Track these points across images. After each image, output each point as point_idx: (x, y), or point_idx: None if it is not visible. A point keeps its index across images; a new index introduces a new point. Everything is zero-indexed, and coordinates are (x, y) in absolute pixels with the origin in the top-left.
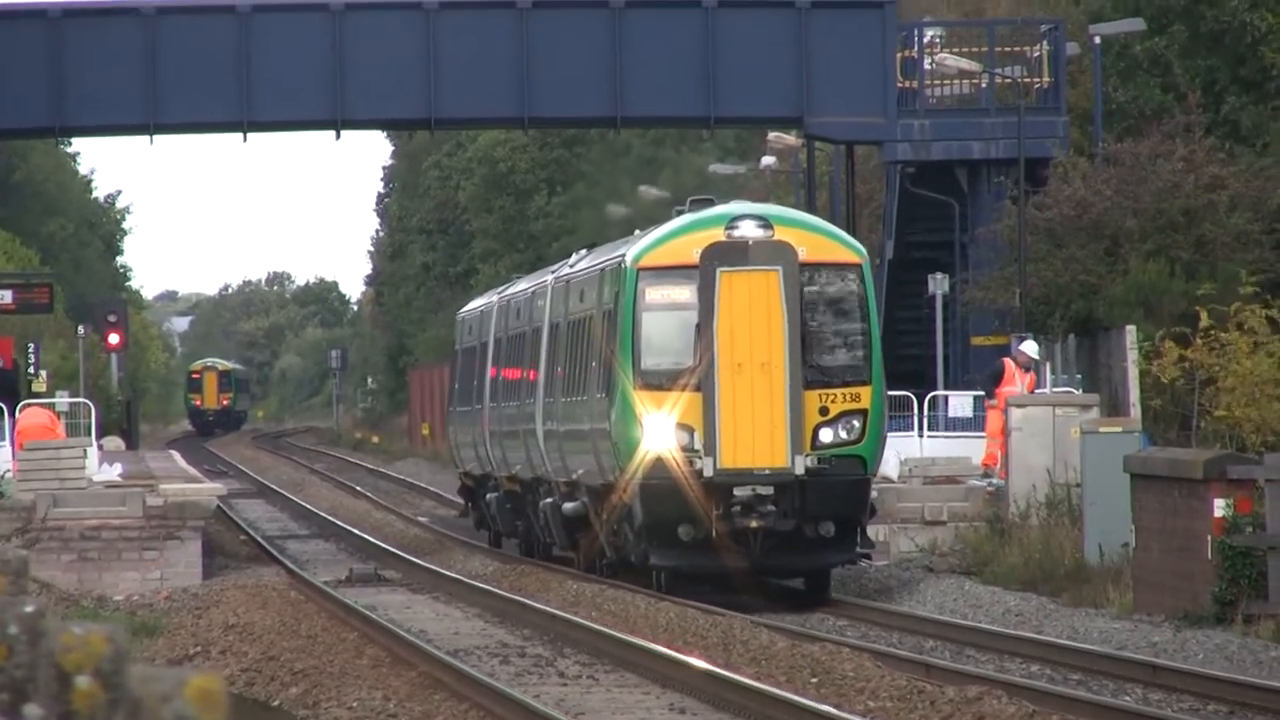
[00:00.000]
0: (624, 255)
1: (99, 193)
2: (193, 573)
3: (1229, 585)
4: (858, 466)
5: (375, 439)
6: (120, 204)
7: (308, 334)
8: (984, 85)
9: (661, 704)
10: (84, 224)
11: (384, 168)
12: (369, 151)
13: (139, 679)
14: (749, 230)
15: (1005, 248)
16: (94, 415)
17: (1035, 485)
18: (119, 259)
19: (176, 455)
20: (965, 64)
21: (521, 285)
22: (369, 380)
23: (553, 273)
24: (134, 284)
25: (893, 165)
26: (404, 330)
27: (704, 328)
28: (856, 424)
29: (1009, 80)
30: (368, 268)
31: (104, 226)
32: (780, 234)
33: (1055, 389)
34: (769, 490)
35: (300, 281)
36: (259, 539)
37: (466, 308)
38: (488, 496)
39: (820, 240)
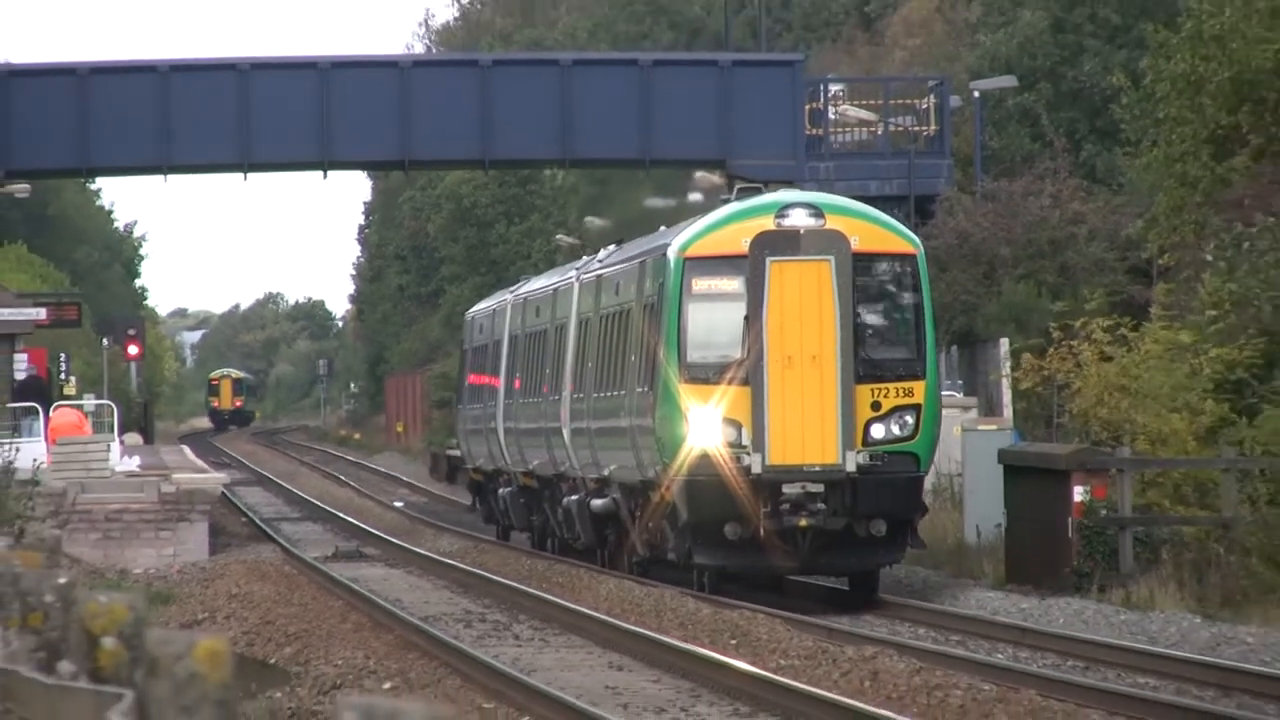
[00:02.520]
0: (668, 245)
1: (119, 224)
2: (201, 550)
3: (1086, 560)
4: (911, 463)
5: (357, 436)
6: (137, 233)
7: (299, 346)
8: (880, 132)
9: (603, 663)
10: (106, 251)
11: (364, 202)
12: (351, 188)
13: (155, 641)
14: (800, 219)
15: None
16: (116, 415)
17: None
18: (137, 281)
19: (187, 449)
20: (864, 114)
21: (540, 283)
22: (351, 385)
23: (577, 269)
24: (150, 302)
25: None
26: (381, 342)
27: (753, 319)
28: (910, 419)
29: (901, 128)
30: (350, 288)
31: (124, 253)
32: (832, 222)
33: (941, 393)
34: (819, 488)
35: (292, 300)
36: (257, 521)
37: (476, 308)
38: (500, 492)
39: (873, 229)
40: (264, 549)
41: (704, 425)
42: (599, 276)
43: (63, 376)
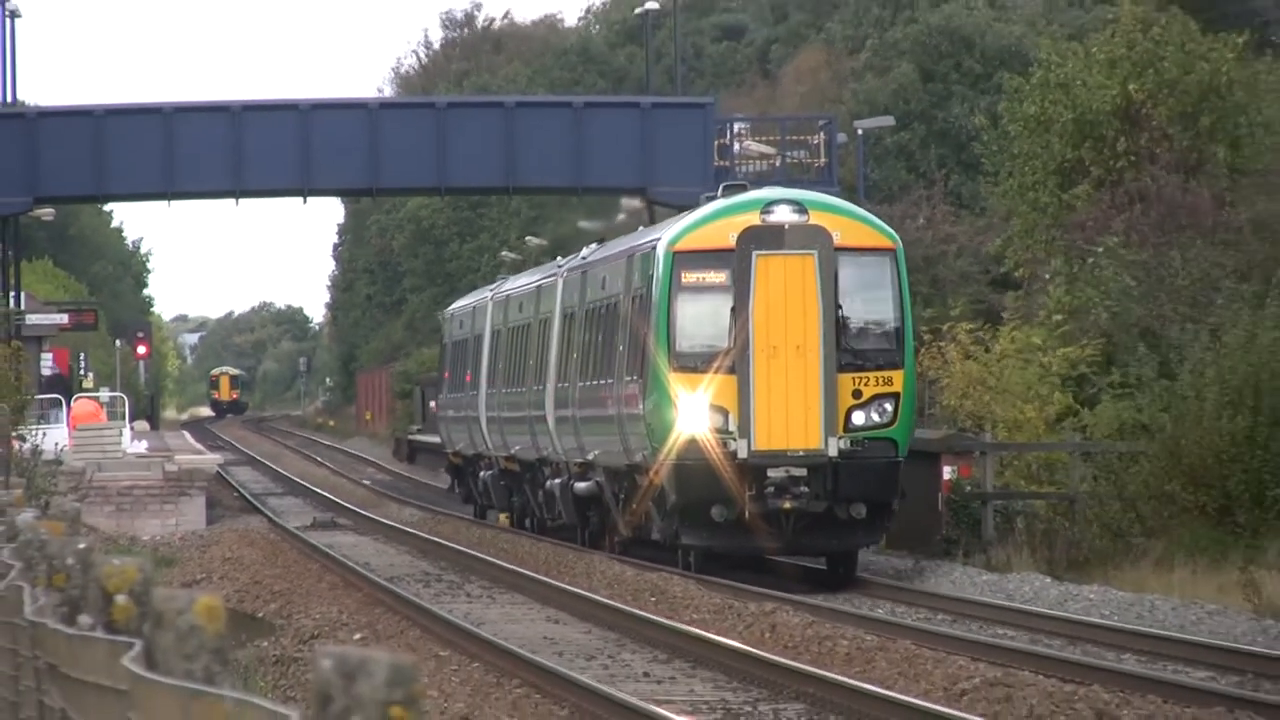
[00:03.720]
0: (657, 240)
1: (129, 242)
2: (199, 520)
3: (954, 529)
4: (890, 449)
5: (332, 423)
6: (144, 250)
7: (282, 346)
8: (777, 164)
9: (542, 616)
10: (119, 265)
11: (338, 224)
12: (327, 212)
13: (161, 597)
14: (784, 215)
15: None
16: (127, 406)
17: None
18: (144, 290)
19: (187, 435)
20: (764, 148)
21: (522, 281)
22: (327, 380)
23: (560, 266)
24: (156, 309)
25: None
26: (353, 343)
27: (739, 311)
28: (889, 407)
29: (795, 161)
30: (326, 297)
31: (133, 267)
32: (815, 218)
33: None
34: (802, 472)
35: (278, 307)
36: (247, 496)
37: (454, 305)
38: (481, 475)
39: (854, 225)
40: (252, 519)
41: (692, 412)
42: (584, 273)
43: (82, 373)
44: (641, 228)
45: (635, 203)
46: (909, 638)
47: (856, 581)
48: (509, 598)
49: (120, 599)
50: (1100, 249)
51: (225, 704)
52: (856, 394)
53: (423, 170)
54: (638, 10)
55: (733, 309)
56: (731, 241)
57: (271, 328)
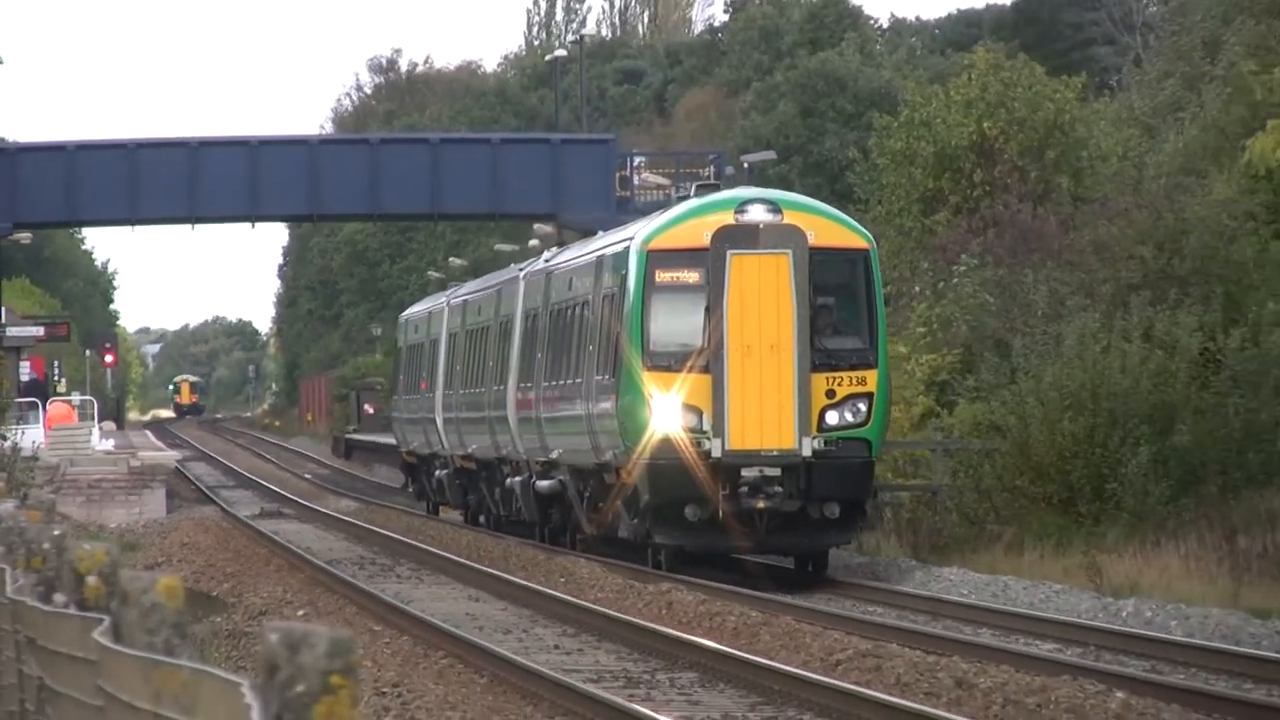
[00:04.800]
0: (630, 240)
1: (98, 262)
2: (159, 510)
3: None
4: (863, 449)
5: (277, 424)
6: (111, 269)
7: (233, 355)
8: (672, 194)
9: (463, 595)
10: (88, 283)
11: (283, 246)
12: (273, 235)
13: (126, 578)
14: (758, 214)
15: None
16: (96, 408)
17: None
18: (111, 305)
19: (149, 434)
20: (660, 179)
21: (480, 285)
22: (273, 385)
23: (521, 269)
24: (121, 322)
25: None
26: (296, 352)
27: (713, 310)
28: (862, 407)
29: (688, 191)
30: (272, 311)
31: (101, 284)
32: (789, 218)
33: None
34: (776, 472)
35: (229, 320)
36: (202, 488)
37: (410, 310)
38: (436, 474)
39: (828, 225)
40: (207, 509)
41: (666, 411)
42: (548, 274)
43: (56, 379)
44: (601, 232)
45: (547, 227)
46: (789, 614)
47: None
48: (434, 579)
49: (91, 579)
50: (961, 269)
51: (183, 673)
52: (830, 394)
53: (358, 199)
54: (548, 57)
55: (707, 308)
56: (706, 240)
57: (223, 339)
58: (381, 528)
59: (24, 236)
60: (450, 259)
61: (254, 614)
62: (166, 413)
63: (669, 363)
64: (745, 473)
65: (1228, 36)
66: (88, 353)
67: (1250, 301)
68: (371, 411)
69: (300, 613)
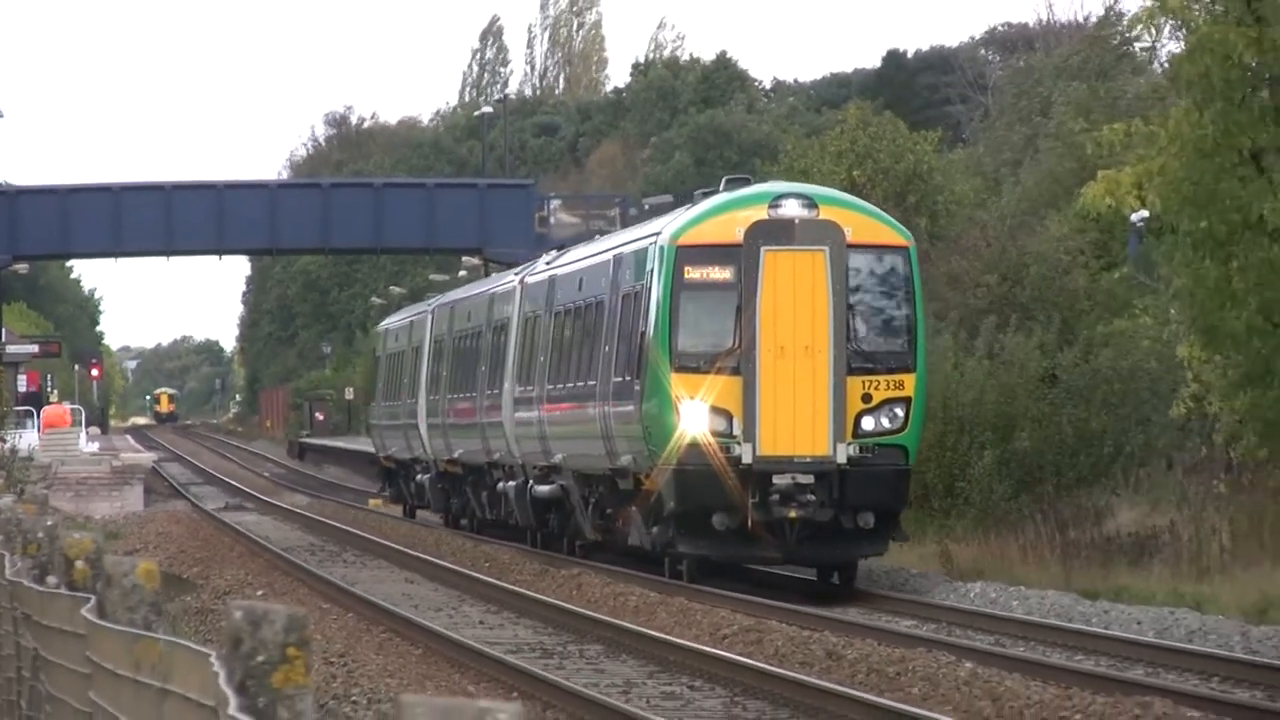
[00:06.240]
0: (657, 235)
1: (85, 289)
2: (138, 504)
3: None
4: (900, 456)
5: (240, 429)
6: (97, 295)
7: (202, 370)
8: (584, 232)
9: (400, 578)
10: (77, 307)
11: (246, 276)
12: (238, 266)
13: (110, 563)
14: (793, 209)
15: None
16: (84, 416)
17: None
18: (97, 327)
19: (130, 438)
20: (573, 219)
21: (468, 291)
22: (237, 396)
23: (517, 274)
24: (106, 341)
25: None
26: (257, 368)
27: (746, 309)
28: (900, 412)
29: (598, 230)
30: (236, 332)
31: (88, 309)
32: (826, 213)
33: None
34: (809, 479)
35: (197, 340)
36: (175, 484)
37: (388, 321)
38: (418, 478)
39: (866, 221)
40: (179, 503)
41: (694, 414)
42: (552, 277)
43: (49, 390)
44: (599, 235)
45: (474, 260)
46: (683, 595)
47: (644, 557)
48: (376, 563)
49: (79, 564)
50: None
51: (159, 645)
52: (866, 398)
53: (311, 235)
54: (476, 113)
55: (738, 307)
56: (738, 236)
57: (193, 356)
58: (330, 519)
59: (21, 267)
60: (391, 287)
61: (220, 594)
62: (144, 420)
63: (698, 364)
64: (777, 480)
65: (1058, 99)
66: (76, 368)
67: (1082, 324)
68: (322, 418)
69: (260, 593)
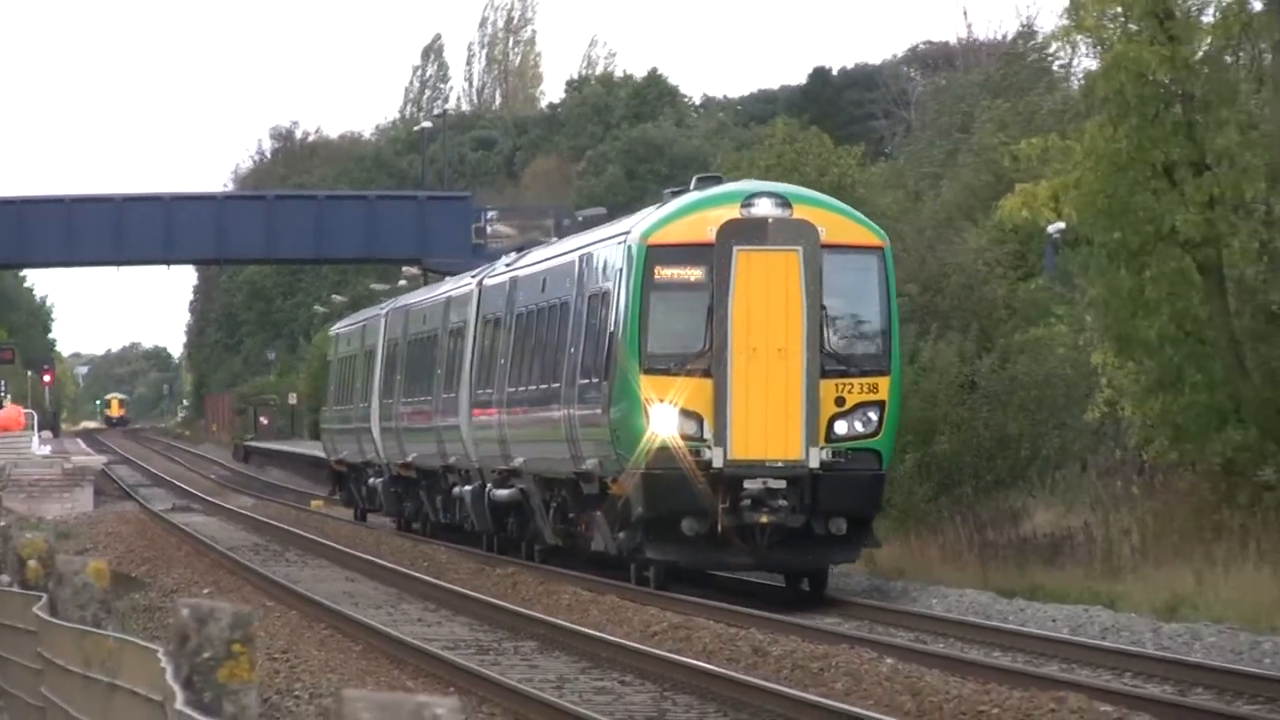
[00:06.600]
0: (626, 234)
1: (38, 297)
2: (88, 504)
3: None
4: (874, 461)
5: (187, 433)
6: (50, 303)
7: (151, 376)
8: (520, 243)
9: (342, 577)
10: (30, 315)
11: (193, 285)
12: (186, 276)
13: (61, 561)
14: (767, 208)
15: None
16: (36, 420)
17: None
18: (49, 334)
19: (80, 441)
20: (509, 230)
21: (423, 295)
22: (184, 401)
23: (474, 277)
24: (58, 348)
25: None
26: (204, 374)
27: (717, 310)
28: (874, 416)
29: (534, 241)
30: (184, 339)
31: (41, 317)
32: (799, 212)
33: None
34: (781, 484)
35: (145, 347)
36: (124, 486)
37: (342, 324)
38: (370, 481)
39: (841, 221)
40: (128, 504)
41: (664, 418)
42: (513, 278)
43: (3, 395)
44: (551, 239)
45: (414, 270)
46: (614, 593)
47: (592, 556)
48: (318, 562)
49: (31, 563)
50: None
51: (109, 641)
52: (839, 401)
53: (256, 245)
54: (416, 128)
55: (709, 308)
56: (710, 236)
57: (142, 362)
58: (274, 520)
59: None
60: (333, 295)
61: (167, 592)
62: (95, 424)
63: (668, 366)
64: (748, 485)
65: (978, 114)
66: (29, 373)
67: (1000, 333)
68: (266, 423)
69: (206, 591)
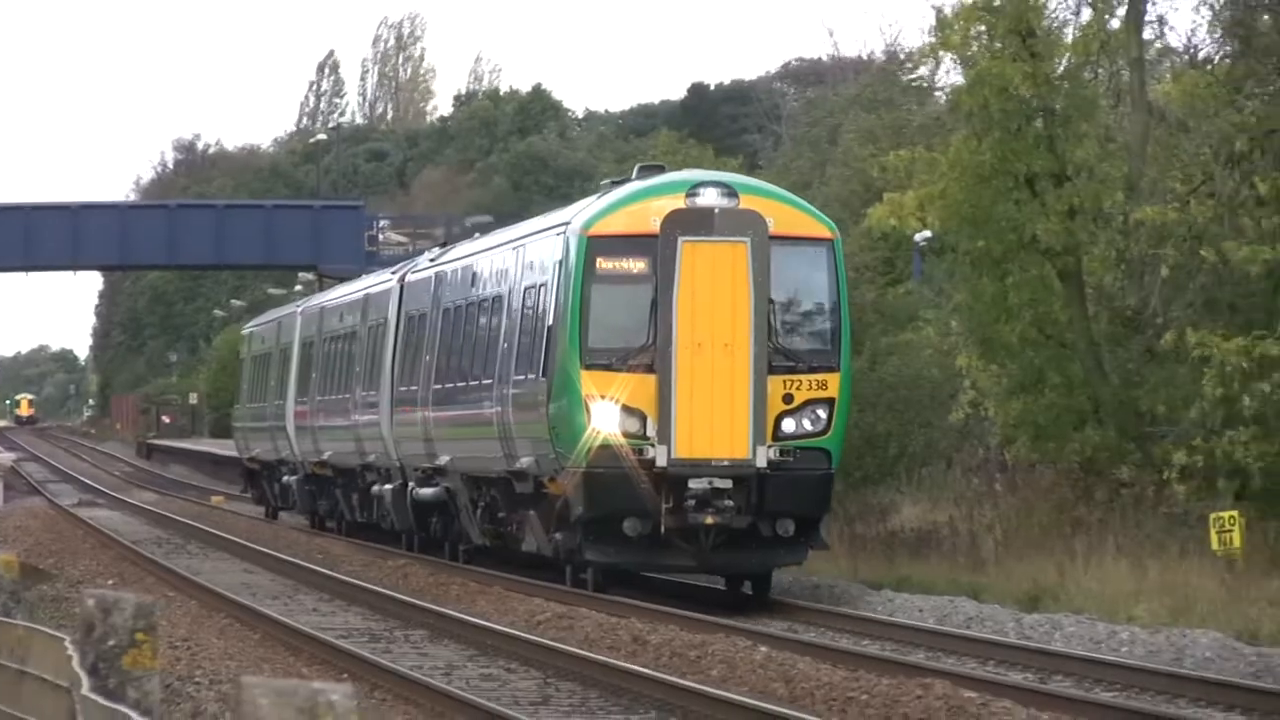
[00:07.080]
0: (566, 225)
1: None
2: None
3: None
4: (823, 460)
5: (93, 432)
6: None
7: (58, 377)
8: (411, 250)
9: (241, 569)
10: None
11: (99, 290)
12: (91, 281)
13: None
14: (712, 198)
15: None
16: None
17: None
18: None
19: None
20: (400, 238)
21: (342, 291)
22: (90, 401)
23: (395, 273)
24: None
25: None
26: (109, 375)
27: (662, 303)
28: (822, 414)
29: (424, 248)
30: (90, 341)
31: None
32: (747, 202)
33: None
34: (727, 484)
35: (52, 349)
36: (33, 482)
37: (254, 323)
38: (284, 479)
39: (790, 211)
40: (36, 500)
41: (606, 415)
42: (437, 274)
43: None
44: (477, 235)
45: (309, 275)
46: (500, 584)
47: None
48: (218, 555)
49: None
50: None
51: (19, 630)
52: (788, 398)
53: (159, 252)
54: (312, 140)
55: (653, 301)
56: (654, 226)
57: (49, 363)
58: (176, 514)
59: None
60: (232, 300)
61: (73, 583)
62: (4, 423)
63: (610, 361)
64: (693, 484)
65: (847, 127)
66: None
67: (869, 336)
68: (168, 421)
69: (110, 582)
